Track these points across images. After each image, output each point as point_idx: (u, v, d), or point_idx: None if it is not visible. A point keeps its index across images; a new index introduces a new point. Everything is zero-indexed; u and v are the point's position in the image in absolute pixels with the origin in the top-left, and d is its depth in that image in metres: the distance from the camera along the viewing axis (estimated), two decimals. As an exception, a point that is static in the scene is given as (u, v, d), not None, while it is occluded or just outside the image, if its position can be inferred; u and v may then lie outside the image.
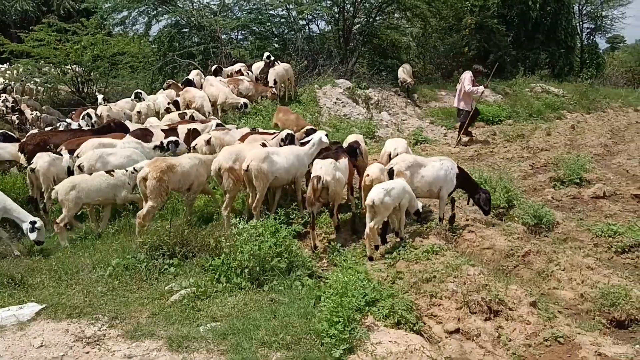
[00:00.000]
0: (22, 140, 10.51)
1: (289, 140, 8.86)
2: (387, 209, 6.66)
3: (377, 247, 7.08)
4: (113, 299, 5.69)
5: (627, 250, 7.22)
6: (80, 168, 8.22)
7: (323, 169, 7.27)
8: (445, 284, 5.63)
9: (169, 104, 13.72)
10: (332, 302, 5.01)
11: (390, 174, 7.32)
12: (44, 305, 5.55)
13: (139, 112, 13.23)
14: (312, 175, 7.32)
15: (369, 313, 5.07)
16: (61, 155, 8.84)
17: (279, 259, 6.10)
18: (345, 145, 8.76)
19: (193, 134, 10.33)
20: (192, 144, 9.50)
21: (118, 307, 5.52)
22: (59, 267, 6.52)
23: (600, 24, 34.65)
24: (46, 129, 14.81)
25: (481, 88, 14.40)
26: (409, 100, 19.13)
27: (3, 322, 5.23)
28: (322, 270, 6.67)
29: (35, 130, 13.45)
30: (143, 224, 7.19)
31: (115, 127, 10.70)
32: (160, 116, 13.16)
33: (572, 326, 5.28)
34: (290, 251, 6.31)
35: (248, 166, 7.50)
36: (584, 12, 33.97)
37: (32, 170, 8.49)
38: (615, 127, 17.75)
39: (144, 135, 9.89)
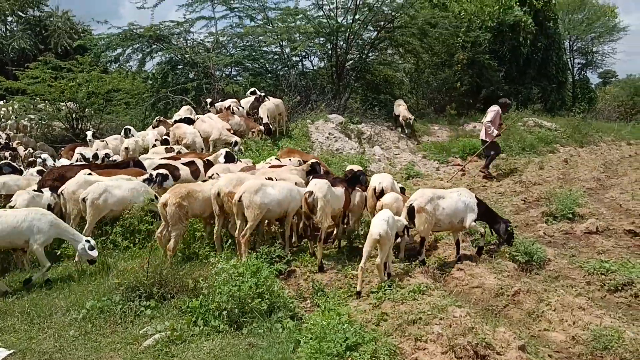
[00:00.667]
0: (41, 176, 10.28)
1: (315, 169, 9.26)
2: (390, 239, 6.66)
3: (389, 276, 6.93)
4: (84, 344, 5.45)
5: (620, 288, 6.99)
6: (84, 200, 8.15)
7: (317, 186, 7.51)
8: (431, 327, 5.40)
9: (156, 140, 13.67)
10: (310, 347, 4.79)
11: (411, 212, 7.41)
12: (12, 351, 5.32)
13: (126, 149, 13.15)
14: (305, 191, 7.62)
15: (350, 358, 4.84)
16: (42, 192, 8.67)
17: (259, 300, 5.89)
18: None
19: (207, 165, 10.45)
20: (208, 174, 9.59)
21: (89, 353, 5.29)
22: (32, 309, 6.28)
23: (591, 59, 35.22)
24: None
25: (495, 132, 14.33)
26: (402, 135, 19.13)
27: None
28: (305, 311, 6.43)
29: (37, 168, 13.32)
30: (172, 255, 7.45)
31: (133, 164, 10.67)
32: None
33: (563, 371, 5.04)
34: (272, 292, 6.10)
35: (240, 197, 7.44)
36: (575, 47, 34.58)
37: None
38: (608, 161, 17.71)
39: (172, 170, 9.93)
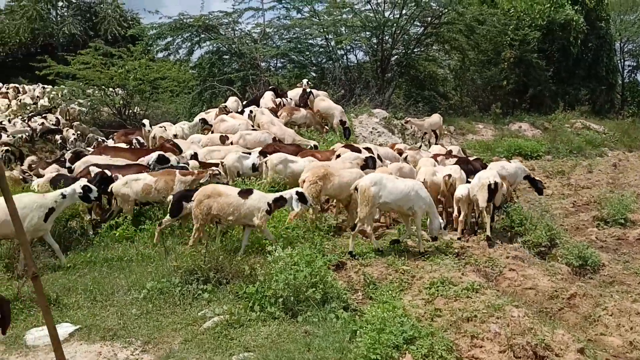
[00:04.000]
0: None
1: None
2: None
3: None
4: (146, 323, 5.63)
5: (678, 297, 6.86)
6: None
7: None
8: (487, 325, 5.41)
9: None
10: (370, 338, 4.85)
11: (495, 187, 8.36)
12: (77, 327, 5.53)
13: (175, 135, 13.36)
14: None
15: (407, 351, 4.88)
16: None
17: (314, 289, 5.96)
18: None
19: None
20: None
21: (151, 331, 5.46)
22: (95, 287, 6.50)
23: (642, 62, 34.06)
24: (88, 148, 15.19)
25: None
26: (446, 132, 18.95)
27: (36, 342, 5.22)
28: (357, 303, 6.49)
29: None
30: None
31: (169, 147, 10.86)
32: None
33: (623, 376, 4.98)
34: (325, 282, 6.16)
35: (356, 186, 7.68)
36: (626, 49, 33.49)
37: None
38: (660, 167, 17.20)
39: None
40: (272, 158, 9.52)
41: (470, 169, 9.97)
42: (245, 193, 7.39)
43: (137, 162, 9.92)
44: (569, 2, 25.14)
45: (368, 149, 10.58)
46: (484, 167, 10.17)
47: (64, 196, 7.23)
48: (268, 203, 7.28)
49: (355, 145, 11.26)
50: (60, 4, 36.95)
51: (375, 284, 6.91)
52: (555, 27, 24.69)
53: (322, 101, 14.95)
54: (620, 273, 7.73)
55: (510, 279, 7.11)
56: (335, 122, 14.68)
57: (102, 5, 36.13)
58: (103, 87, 21.45)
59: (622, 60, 33.13)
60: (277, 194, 7.60)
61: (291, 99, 16.02)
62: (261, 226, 7.25)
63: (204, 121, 14.59)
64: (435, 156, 11.44)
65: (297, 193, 7.45)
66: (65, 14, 36.97)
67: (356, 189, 7.65)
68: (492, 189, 8.30)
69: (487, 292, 6.28)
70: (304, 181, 8.25)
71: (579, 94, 26.05)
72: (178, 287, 6.28)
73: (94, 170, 8.97)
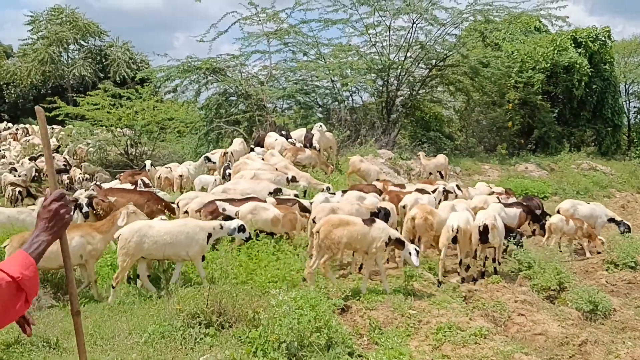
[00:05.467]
0: None
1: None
2: None
3: None
4: (146, 369, 5.51)
5: (693, 344, 6.65)
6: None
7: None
8: (496, 373, 5.25)
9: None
10: (375, 386, 4.71)
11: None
12: (76, 372, 5.41)
13: (180, 176, 13.42)
14: None
15: (414, 400, 4.73)
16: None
17: (318, 334, 5.84)
18: None
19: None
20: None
21: (151, 377, 5.33)
22: (95, 331, 6.39)
23: (647, 103, 34.25)
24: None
25: None
26: (452, 173, 18.94)
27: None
28: (362, 348, 6.34)
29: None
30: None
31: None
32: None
33: None
34: (330, 326, 6.04)
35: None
36: (631, 91, 33.75)
37: None
38: (668, 209, 17.04)
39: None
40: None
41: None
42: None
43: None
44: (572, 45, 25.49)
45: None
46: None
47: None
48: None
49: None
50: (72, 47, 37.89)
51: (380, 329, 6.76)
52: (559, 70, 24.97)
53: (361, 162, 14.91)
54: (632, 318, 7.54)
55: (520, 324, 6.95)
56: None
57: (112, 49, 36.96)
58: (111, 127, 21.74)
59: (628, 102, 33.37)
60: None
61: (295, 140, 16.15)
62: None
63: (207, 159, 14.71)
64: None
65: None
66: (77, 56, 37.86)
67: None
68: (483, 231, 8.42)
69: (496, 338, 6.13)
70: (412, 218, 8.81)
71: (584, 135, 26.14)
72: (180, 331, 6.15)
73: (221, 205, 9.13)
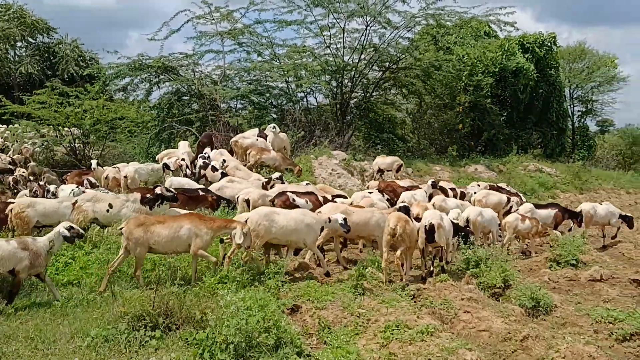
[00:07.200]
0: None
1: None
2: None
3: None
4: (88, 373, 5.35)
5: (628, 338, 6.93)
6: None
7: None
8: (441, 369, 5.34)
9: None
10: (321, 385, 4.71)
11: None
12: (14, 378, 5.21)
13: (125, 177, 13.11)
14: None
15: (360, 398, 4.77)
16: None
17: (266, 334, 5.81)
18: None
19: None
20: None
21: (93, 382, 5.18)
22: (36, 335, 6.17)
23: (590, 107, 35.73)
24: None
25: None
26: (404, 174, 19.21)
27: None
28: (311, 348, 6.34)
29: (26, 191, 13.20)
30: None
31: None
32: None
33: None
34: (279, 327, 6.02)
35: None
36: (575, 95, 35.12)
37: None
38: (609, 209, 17.74)
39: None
40: None
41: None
42: None
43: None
44: (520, 50, 26.34)
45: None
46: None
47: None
48: None
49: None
50: (19, 44, 36.48)
51: (330, 328, 6.78)
52: (507, 74, 25.78)
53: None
54: (573, 314, 7.81)
55: (465, 321, 7.10)
56: None
57: (60, 46, 35.78)
58: (58, 126, 20.99)
59: (572, 106, 34.73)
60: None
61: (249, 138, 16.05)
62: None
63: (166, 166, 14.43)
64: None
65: None
66: (24, 54, 36.47)
67: None
68: (429, 230, 8.70)
69: (442, 335, 6.23)
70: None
71: (531, 138, 27.06)
72: (124, 334, 6.01)
73: (292, 195, 10.34)
